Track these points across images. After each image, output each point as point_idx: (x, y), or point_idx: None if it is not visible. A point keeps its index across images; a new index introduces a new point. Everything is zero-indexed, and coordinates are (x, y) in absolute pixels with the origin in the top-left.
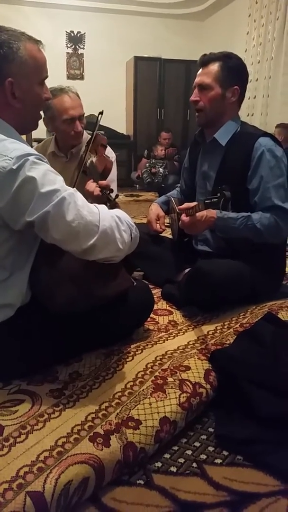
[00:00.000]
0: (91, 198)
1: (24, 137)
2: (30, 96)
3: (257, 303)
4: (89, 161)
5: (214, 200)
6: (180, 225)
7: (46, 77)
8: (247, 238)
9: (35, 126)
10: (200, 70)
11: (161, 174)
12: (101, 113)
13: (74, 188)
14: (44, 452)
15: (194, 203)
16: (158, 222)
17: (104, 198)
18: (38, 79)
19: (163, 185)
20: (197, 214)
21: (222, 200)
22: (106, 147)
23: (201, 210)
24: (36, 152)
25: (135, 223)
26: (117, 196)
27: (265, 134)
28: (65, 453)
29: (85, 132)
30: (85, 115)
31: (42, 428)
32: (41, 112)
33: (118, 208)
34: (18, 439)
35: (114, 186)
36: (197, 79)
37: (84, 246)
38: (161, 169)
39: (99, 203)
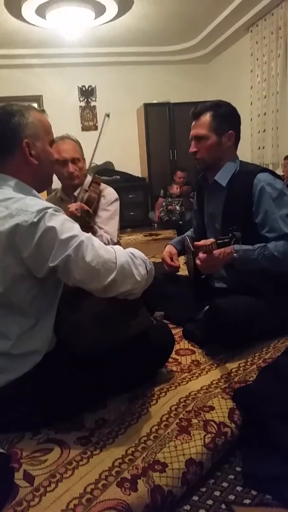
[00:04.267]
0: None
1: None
2: (44, 154)
3: (280, 336)
4: (84, 197)
5: (226, 240)
6: (198, 263)
7: (53, 139)
8: (266, 268)
9: (51, 181)
10: (194, 123)
11: (178, 212)
12: (107, 115)
13: (90, 233)
14: (73, 500)
15: (211, 240)
16: (171, 258)
17: (82, 220)
18: (48, 140)
19: (180, 222)
20: (214, 252)
21: (233, 241)
22: (100, 184)
23: (214, 250)
24: (54, 206)
25: (154, 262)
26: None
27: (264, 170)
28: (94, 500)
29: (88, 176)
30: (100, 162)
31: (71, 475)
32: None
33: (93, 231)
34: (48, 488)
35: (114, 225)
36: (192, 132)
37: (105, 283)
38: (177, 207)
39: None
